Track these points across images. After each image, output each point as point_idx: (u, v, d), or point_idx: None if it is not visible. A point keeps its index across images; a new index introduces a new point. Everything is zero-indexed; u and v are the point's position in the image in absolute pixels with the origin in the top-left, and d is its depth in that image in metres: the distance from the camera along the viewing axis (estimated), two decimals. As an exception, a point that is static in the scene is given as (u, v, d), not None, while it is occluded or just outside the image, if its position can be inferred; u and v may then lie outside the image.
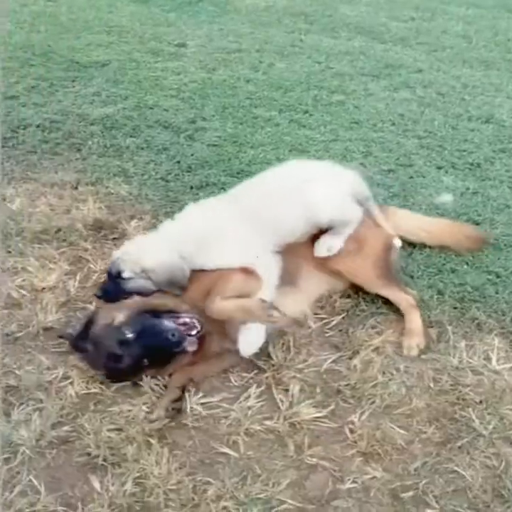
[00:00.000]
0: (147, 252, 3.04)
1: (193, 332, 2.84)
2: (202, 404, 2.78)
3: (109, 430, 2.61)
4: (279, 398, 2.82)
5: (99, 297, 3.10)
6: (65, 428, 2.63)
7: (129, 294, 3.01)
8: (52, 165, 4.25)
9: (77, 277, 3.38)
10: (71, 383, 2.81)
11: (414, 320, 3.21)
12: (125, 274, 3.03)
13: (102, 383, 2.82)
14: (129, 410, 2.72)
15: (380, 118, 5.26)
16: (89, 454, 2.54)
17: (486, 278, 3.58)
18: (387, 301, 3.36)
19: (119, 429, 2.63)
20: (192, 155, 4.46)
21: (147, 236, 3.22)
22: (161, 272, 2.99)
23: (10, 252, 3.49)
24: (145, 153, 4.44)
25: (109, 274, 3.05)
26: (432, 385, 2.94)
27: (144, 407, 2.72)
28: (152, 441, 2.59)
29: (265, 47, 6.48)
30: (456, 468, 2.60)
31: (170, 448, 2.59)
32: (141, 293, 3.00)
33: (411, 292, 3.34)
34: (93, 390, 2.79)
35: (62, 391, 2.78)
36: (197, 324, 2.84)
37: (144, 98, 5.19)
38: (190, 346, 2.83)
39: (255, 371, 2.95)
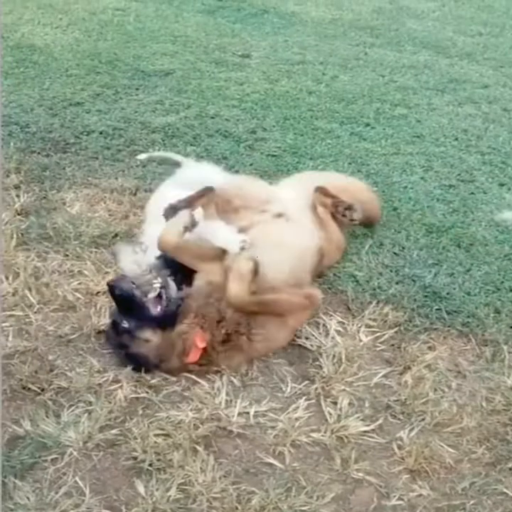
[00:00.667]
0: None
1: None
2: (248, 412, 2.77)
3: (155, 435, 2.61)
4: (327, 411, 2.79)
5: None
6: (113, 431, 2.64)
7: None
8: (113, 171, 4.31)
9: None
10: (121, 387, 2.82)
11: None
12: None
13: (150, 388, 2.83)
14: (177, 416, 2.72)
15: (443, 133, 5.20)
16: (135, 459, 2.55)
17: (544, 298, 3.50)
18: (441, 317, 3.31)
19: (166, 435, 2.63)
20: (251, 165, 4.47)
21: None
22: None
23: (67, 255, 3.53)
24: (205, 162, 4.46)
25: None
26: (484, 404, 2.88)
27: (191, 414, 2.72)
28: (198, 448, 2.59)
29: (329, 59, 6.48)
30: (505, 490, 2.53)
31: (215, 456, 2.58)
32: None
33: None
34: (142, 395, 2.80)
35: (112, 394, 2.79)
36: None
37: (205, 107, 5.23)
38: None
39: (305, 382, 2.93)
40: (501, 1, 9.07)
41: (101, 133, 4.72)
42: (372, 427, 2.76)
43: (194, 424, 2.69)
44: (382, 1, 8.57)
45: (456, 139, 5.14)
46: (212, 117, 5.09)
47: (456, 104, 5.79)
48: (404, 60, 6.63)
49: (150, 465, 2.53)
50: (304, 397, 2.86)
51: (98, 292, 3.31)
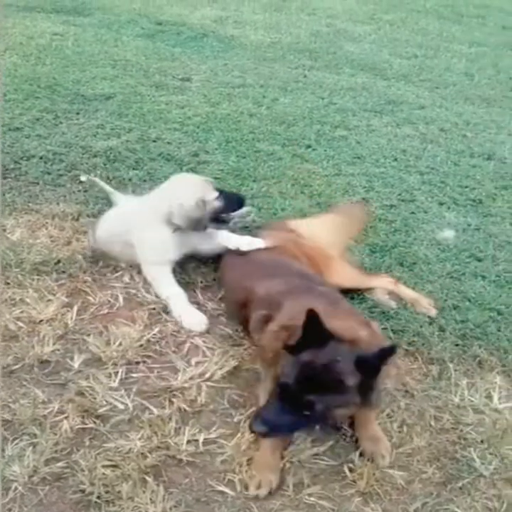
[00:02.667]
0: None
1: None
2: (197, 440, 2.73)
3: (103, 466, 2.56)
4: (278, 435, 2.78)
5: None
6: (59, 464, 2.57)
7: None
8: (54, 196, 4.24)
9: (75, 309, 3.35)
10: (66, 418, 2.75)
11: None
12: None
13: (97, 417, 2.78)
14: (125, 445, 2.67)
15: (383, 153, 5.28)
16: (83, 491, 2.49)
17: (488, 315, 3.56)
18: (387, 337, 3.33)
19: (114, 466, 2.57)
20: (194, 188, 4.45)
21: None
22: None
23: (8, 283, 3.46)
24: (148, 186, 4.41)
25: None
26: (433, 423, 2.90)
27: (139, 443, 2.68)
28: (148, 478, 2.54)
29: (269, 82, 6.52)
30: (456, 509, 2.55)
31: (165, 486, 2.54)
32: None
33: None
34: (89, 425, 2.74)
35: (57, 426, 2.72)
36: None
37: (147, 131, 5.20)
38: None
39: (254, 407, 2.91)
40: (435, 24, 9.29)
41: (41, 158, 4.64)
42: (322, 449, 2.76)
43: (143, 454, 2.64)
44: (320, 25, 8.69)
45: (396, 160, 5.21)
46: (154, 141, 5.06)
47: (395, 125, 5.89)
48: (342, 83, 6.72)
49: (98, 497, 2.47)
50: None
51: (41, 320, 3.24)
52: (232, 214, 3.78)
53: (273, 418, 2.54)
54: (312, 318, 2.49)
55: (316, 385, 2.48)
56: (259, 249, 3.44)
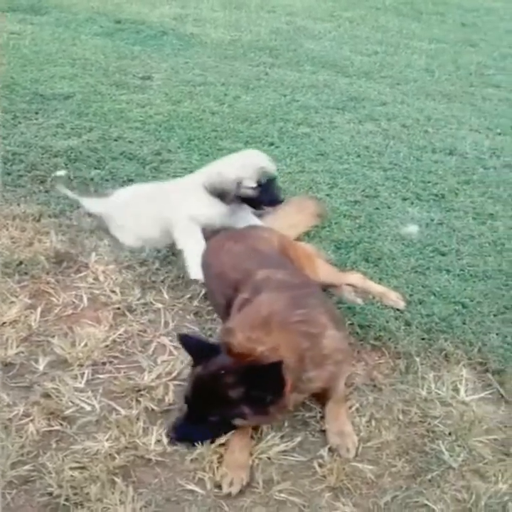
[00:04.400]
0: None
1: None
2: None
3: (71, 469, 2.53)
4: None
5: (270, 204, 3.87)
6: (26, 467, 2.54)
7: None
8: (15, 197, 4.17)
9: (39, 311, 3.30)
10: (32, 420, 2.71)
11: None
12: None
13: (63, 419, 2.74)
14: (93, 447, 2.63)
15: (346, 150, 5.28)
16: (50, 494, 2.45)
17: (453, 308, 3.58)
18: (354, 332, 3.35)
19: (82, 468, 2.54)
20: (157, 186, 4.42)
21: None
22: None
23: (-31, 286, 3.41)
24: (110, 185, 4.38)
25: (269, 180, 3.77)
26: (401, 417, 2.91)
27: (107, 444, 2.64)
28: (116, 479, 2.51)
29: (230, 80, 6.50)
30: (426, 502, 2.56)
31: (135, 486, 2.51)
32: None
33: None
34: (55, 427, 2.71)
35: (23, 429, 2.68)
36: None
37: (108, 130, 5.15)
38: None
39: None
40: (394, 21, 9.34)
41: (0, 158, 4.57)
42: (292, 445, 2.75)
43: (111, 455, 2.62)
44: (280, 22, 8.68)
45: (359, 156, 5.23)
46: (116, 140, 5.01)
47: (357, 121, 5.90)
48: (304, 80, 6.72)
49: (66, 500, 2.44)
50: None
51: (4, 323, 3.19)
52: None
53: (182, 429, 2.66)
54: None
55: (206, 398, 2.59)
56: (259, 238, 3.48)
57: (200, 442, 2.66)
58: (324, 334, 2.74)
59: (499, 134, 5.93)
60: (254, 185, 3.72)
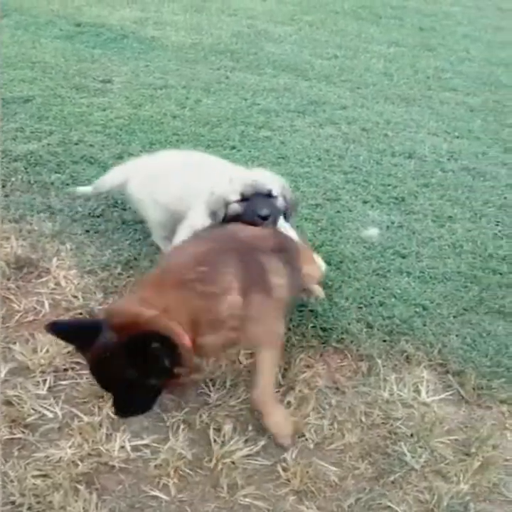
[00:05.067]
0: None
1: None
2: (131, 446, 2.70)
3: (34, 477, 2.51)
4: (212, 437, 2.77)
5: (264, 219, 3.19)
6: (-12, 476, 2.52)
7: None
8: (-26, 202, 4.14)
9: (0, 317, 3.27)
10: (-6, 428, 2.70)
11: None
12: (274, 193, 3.29)
13: (25, 427, 2.72)
14: (56, 454, 2.62)
15: (307, 153, 5.31)
16: (13, 503, 2.43)
17: (413, 310, 3.63)
18: (316, 335, 3.37)
19: (45, 475, 2.53)
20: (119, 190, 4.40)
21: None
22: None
23: None
24: (71, 190, 4.35)
25: (257, 193, 3.24)
26: (363, 419, 2.94)
27: (70, 451, 2.63)
28: (79, 487, 2.50)
29: (191, 83, 6.49)
30: (389, 503, 2.59)
31: (98, 493, 2.51)
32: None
33: None
34: (17, 435, 2.69)
35: (-16, 437, 2.66)
36: None
37: (69, 134, 5.11)
38: None
39: (186, 410, 2.90)
40: (353, 25, 9.40)
41: (-41, 163, 4.52)
42: (255, 449, 2.76)
43: (73, 462, 2.61)
44: (241, 25, 8.69)
45: (320, 159, 5.26)
46: (76, 143, 4.98)
47: (317, 125, 5.94)
48: (265, 83, 6.74)
49: (29, 509, 2.43)
50: (186, 426, 2.82)
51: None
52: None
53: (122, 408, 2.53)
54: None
55: (113, 385, 2.46)
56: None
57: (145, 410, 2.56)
58: (224, 297, 2.52)
59: (457, 137, 6.02)
60: (238, 198, 3.26)
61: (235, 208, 3.26)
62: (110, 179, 3.99)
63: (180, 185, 3.59)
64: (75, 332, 2.46)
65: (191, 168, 3.70)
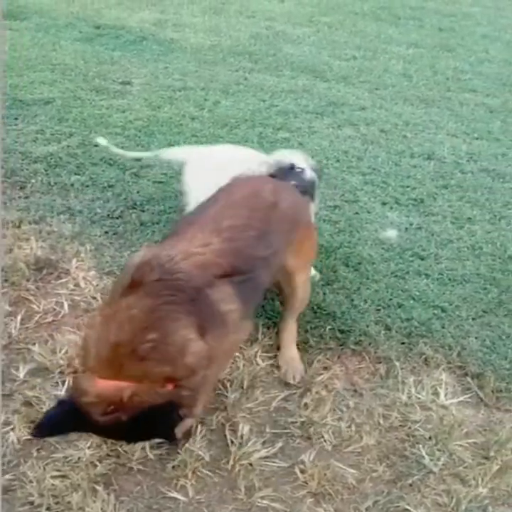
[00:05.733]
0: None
1: None
2: (149, 446, 2.71)
3: (52, 477, 2.52)
4: (229, 439, 2.78)
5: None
6: (7, 477, 2.53)
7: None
8: (-6, 204, 4.17)
9: (19, 318, 3.29)
10: (13, 429, 2.70)
11: None
12: (298, 166, 3.34)
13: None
14: (74, 455, 2.63)
15: (325, 155, 5.31)
16: (31, 503, 2.45)
17: (432, 313, 3.62)
18: (334, 336, 3.37)
19: (64, 476, 2.54)
20: (138, 192, 4.43)
21: None
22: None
23: (-51, 294, 3.39)
24: (90, 191, 4.39)
25: (280, 169, 3.29)
26: (381, 421, 2.93)
27: (88, 451, 2.64)
28: (98, 487, 2.51)
29: (210, 85, 6.51)
30: (407, 506, 2.58)
31: (116, 494, 2.52)
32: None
33: None
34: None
35: (4, 438, 2.67)
36: None
37: (88, 136, 5.14)
38: None
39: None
40: (372, 26, 9.38)
41: (-20, 165, 4.56)
42: (273, 451, 2.76)
43: (92, 463, 2.61)
44: (259, 27, 8.70)
45: (338, 161, 5.25)
46: (96, 145, 4.98)
47: (336, 126, 5.93)
48: (283, 85, 6.74)
49: (48, 509, 2.44)
50: (204, 427, 2.83)
51: (-15, 331, 3.18)
52: None
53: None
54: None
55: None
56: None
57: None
58: (187, 352, 2.34)
59: (476, 138, 5.99)
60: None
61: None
62: (173, 154, 4.17)
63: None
64: (56, 424, 2.32)
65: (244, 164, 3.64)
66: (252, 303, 2.71)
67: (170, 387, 2.28)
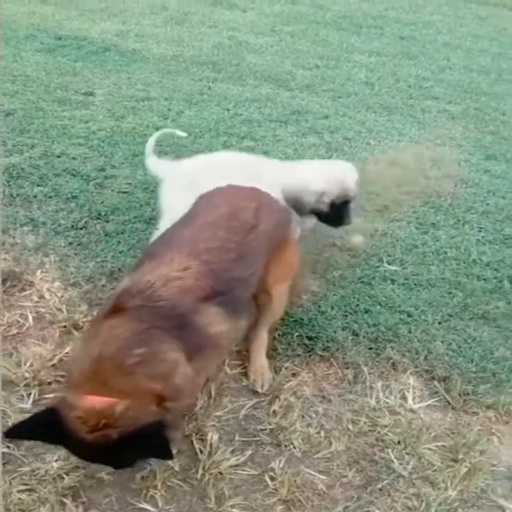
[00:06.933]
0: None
1: None
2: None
3: (19, 491, 2.48)
4: (198, 448, 2.76)
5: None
6: (-28, 492, 2.50)
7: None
8: (-44, 216, 4.11)
9: (-17, 332, 3.25)
10: (-22, 443, 2.67)
11: None
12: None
13: (11, 441, 2.69)
14: (41, 468, 2.59)
15: (290, 163, 5.31)
16: (-2, 518, 2.42)
17: (398, 318, 3.64)
18: (302, 343, 3.37)
19: (31, 490, 2.50)
20: (102, 202, 4.39)
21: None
22: None
23: None
24: (53, 202, 4.34)
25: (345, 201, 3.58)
26: (350, 427, 2.94)
27: (56, 464, 2.60)
28: (66, 500, 2.48)
29: (173, 95, 6.49)
30: (377, 511, 2.59)
31: (85, 507, 2.48)
32: None
33: None
34: (2, 450, 2.65)
35: (-31, 452, 2.64)
36: None
37: (51, 147, 5.09)
38: None
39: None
40: (334, 35, 9.44)
41: None
42: (242, 459, 2.75)
43: (59, 475, 2.58)
44: (222, 37, 8.71)
45: (303, 169, 5.25)
46: (59, 156, 4.96)
47: (300, 134, 5.95)
48: (247, 94, 6.75)
49: (15, 524, 2.40)
50: (172, 437, 2.81)
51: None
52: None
53: None
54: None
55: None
56: None
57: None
58: (177, 371, 2.35)
59: (439, 145, 6.05)
60: (329, 201, 3.55)
61: (323, 207, 3.56)
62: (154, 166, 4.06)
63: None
64: (35, 430, 2.28)
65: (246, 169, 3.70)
66: (239, 321, 2.71)
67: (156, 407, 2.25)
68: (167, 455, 2.21)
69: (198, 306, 2.45)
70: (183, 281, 2.45)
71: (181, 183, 3.60)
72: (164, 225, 3.47)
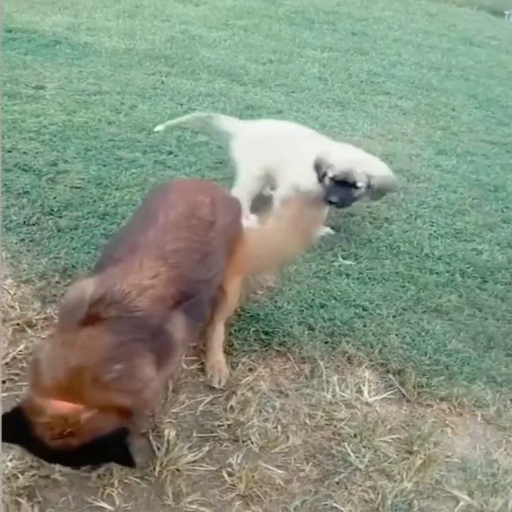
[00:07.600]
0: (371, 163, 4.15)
1: None
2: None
3: (-27, 492, 2.45)
4: (155, 445, 2.75)
5: (333, 203, 4.10)
6: None
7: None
8: None
9: None
10: None
11: None
12: (359, 184, 4.01)
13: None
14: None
15: (244, 158, 5.30)
16: (-49, 520, 2.38)
17: (353, 312, 3.67)
18: (258, 338, 3.37)
19: (-15, 490, 2.47)
20: (54, 198, 4.33)
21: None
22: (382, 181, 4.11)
23: None
24: (4, 198, 4.26)
25: (344, 181, 3.99)
26: (307, 421, 2.96)
27: (10, 464, 2.57)
28: (21, 500, 2.44)
29: (126, 89, 6.43)
30: (335, 504, 2.62)
31: (41, 507, 2.45)
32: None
33: None
34: (-46, 450, 2.62)
35: None
36: None
37: (1, 141, 4.99)
38: None
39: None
40: (287, 30, 9.45)
41: None
42: (200, 455, 2.75)
43: (14, 475, 2.54)
44: (174, 31, 8.65)
45: (257, 164, 5.25)
46: (9, 151, 4.87)
47: (254, 129, 5.94)
48: (200, 88, 6.73)
49: (-31, 525, 2.37)
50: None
51: None
52: None
53: None
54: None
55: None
56: None
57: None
58: (149, 387, 2.38)
59: (391, 140, 6.12)
60: (332, 175, 4.03)
61: (326, 181, 4.06)
62: (223, 124, 4.80)
63: (279, 149, 4.27)
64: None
65: (290, 137, 4.38)
66: (198, 325, 2.80)
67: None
68: (130, 463, 2.24)
69: (169, 315, 2.48)
70: (155, 290, 2.46)
71: (254, 140, 4.41)
72: (242, 179, 4.43)
